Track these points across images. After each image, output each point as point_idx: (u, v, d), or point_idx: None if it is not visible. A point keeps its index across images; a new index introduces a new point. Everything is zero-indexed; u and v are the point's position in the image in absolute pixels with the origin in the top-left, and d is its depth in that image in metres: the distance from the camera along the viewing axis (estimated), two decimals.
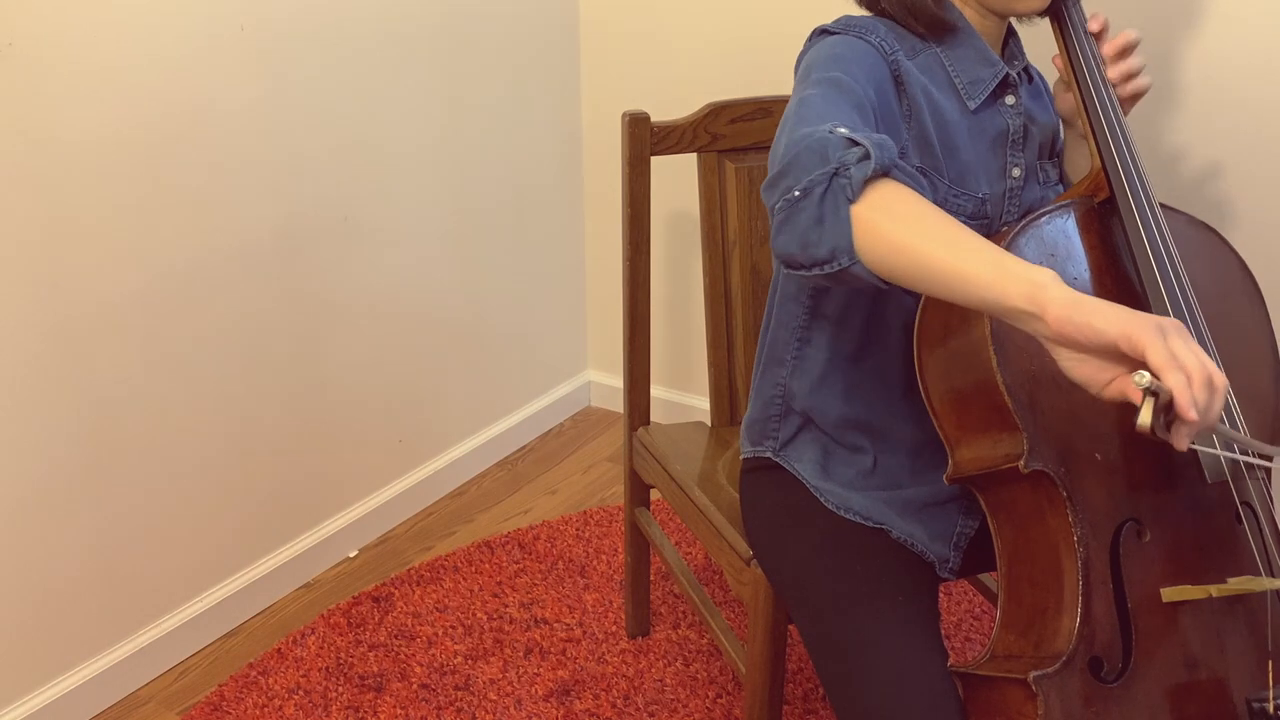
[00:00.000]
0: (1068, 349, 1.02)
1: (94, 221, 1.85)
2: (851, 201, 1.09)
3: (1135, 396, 0.98)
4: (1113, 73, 1.43)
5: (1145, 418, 0.97)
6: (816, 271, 1.13)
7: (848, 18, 1.42)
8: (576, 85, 2.79)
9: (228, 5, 1.97)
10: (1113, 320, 0.97)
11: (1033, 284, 1.00)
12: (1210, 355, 1.22)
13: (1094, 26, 1.42)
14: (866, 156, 1.09)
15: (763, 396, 1.59)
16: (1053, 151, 1.52)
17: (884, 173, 1.11)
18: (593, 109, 2.80)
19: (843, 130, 1.13)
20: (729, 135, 1.86)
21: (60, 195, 1.80)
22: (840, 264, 1.11)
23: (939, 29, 1.39)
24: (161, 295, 1.97)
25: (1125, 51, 1.43)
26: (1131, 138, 1.38)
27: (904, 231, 1.07)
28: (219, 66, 1.98)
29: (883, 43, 1.36)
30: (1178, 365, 0.96)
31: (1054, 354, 1.03)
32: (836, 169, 1.09)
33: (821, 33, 1.41)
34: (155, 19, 1.87)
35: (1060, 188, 1.51)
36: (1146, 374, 0.96)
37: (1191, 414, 0.96)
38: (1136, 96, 1.47)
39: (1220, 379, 0.98)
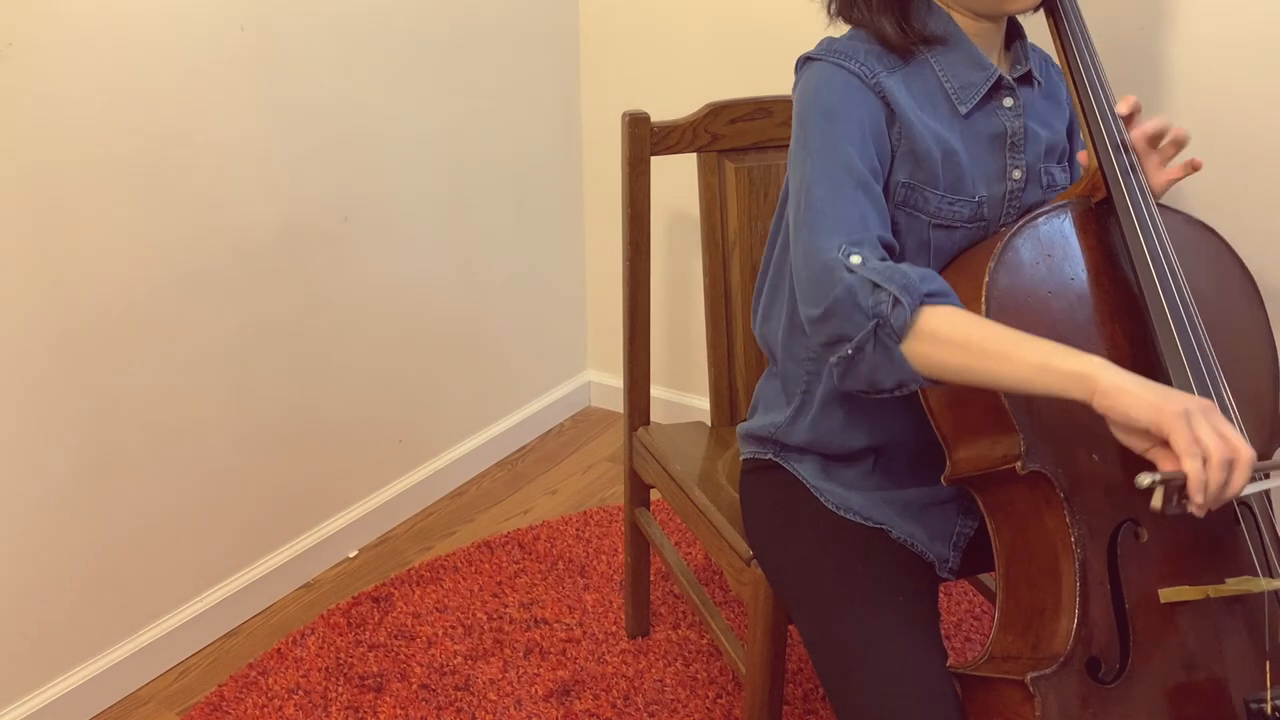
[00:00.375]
0: (1117, 427, 1.15)
1: (94, 222, 1.85)
2: (900, 344, 1.22)
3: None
4: (1149, 164, 1.40)
5: (1156, 502, 1.11)
6: (889, 395, 1.28)
7: (829, 41, 1.42)
8: (576, 85, 2.79)
9: (228, 6, 1.97)
10: (1145, 408, 1.10)
11: (1081, 378, 1.13)
12: (1211, 379, 1.26)
13: (1123, 109, 1.38)
14: (897, 302, 1.21)
15: (764, 421, 1.60)
16: (1062, 156, 1.51)
17: (918, 308, 1.21)
18: (593, 109, 2.80)
19: (863, 268, 1.24)
20: (729, 135, 1.86)
21: (60, 196, 1.80)
22: (908, 389, 1.25)
23: (909, 49, 1.40)
24: (161, 295, 1.97)
25: (1156, 139, 1.39)
26: (1129, 138, 1.38)
27: (957, 357, 1.20)
28: (219, 67, 1.98)
29: (863, 68, 1.37)
30: (1197, 451, 1.08)
31: (1112, 429, 1.16)
32: (877, 323, 1.22)
33: (806, 60, 1.42)
34: (155, 19, 1.87)
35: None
36: (1147, 476, 1.09)
37: (1198, 498, 1.09)
38: (1171, 182, 1.43)
39: (1245, 453, 1.10)
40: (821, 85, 1.38)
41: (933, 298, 1.23)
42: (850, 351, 1.24)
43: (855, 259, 1.25)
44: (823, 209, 1.30)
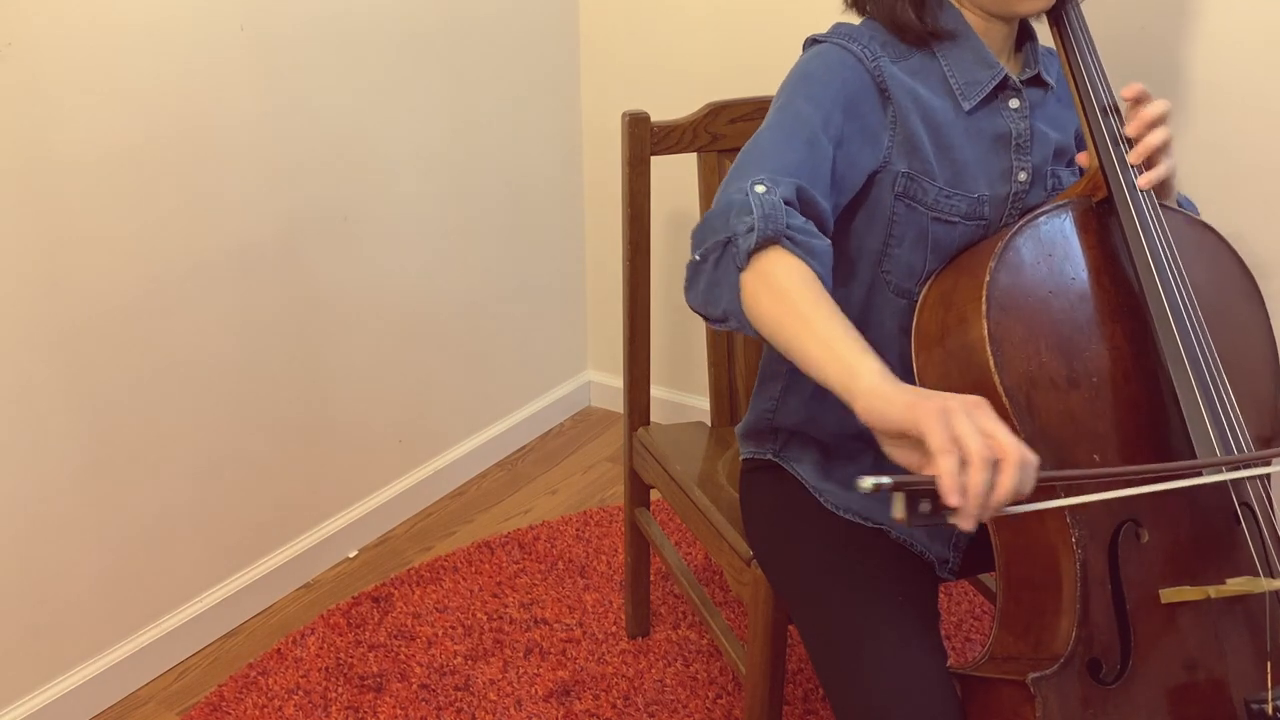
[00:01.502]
0: (880, 434, 1.07)
1: (94, 222, 1.85)
2: (740, 270, 1.20)
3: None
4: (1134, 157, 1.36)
5: (897, 511, 1.00)
6: (719, 327, 1.26)
7: (839, 26, 1.43)
8: (576, 85, 2.79)
9: (228, 6, 1.97)
10: (899, 407, 1.02)
11: (850, 373, 1.08)
12: (1212, 380, 1.23)
13: (1128, 94, 1.36)
14: (753, 229, 1.18)
15: (758, 409, 1.60)
16: (1071, 160, 1.50)
17: (771, 243, 1.19)
18: (593, 109, 2.80)
19: (754, 194, 1.21)
20: (729, 135, 1.86)
21: (60, 195, 1.80)
22: (732, 325, 1.22)
23: (925, 40, 1.40)
24: (161, 296, 1.97)
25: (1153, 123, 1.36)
26: (1129, 137, 1.37)
27: (773, 304, 1.17)
28: (218, 67, 1.98)
29: (865, 50, 1.37)
30: (952, 449, 0.98)
31: (879, 439, 1.08)
32: (729, 238, 1.20)
33: (812, 41, 1.44)
34: (155, 19, 1.87)
35: None
36: (869, 479, 0.98)
37: (952, 499, 0.98)
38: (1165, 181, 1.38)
39: (1015, 454, 0.99)
40: (813, 57, 1.40)
41: (793, 243, 1.19)
42: (698, 257, 1.24)
43: (760, 188, 1.23)
44: (762, 149, 1.30)
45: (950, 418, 1.00)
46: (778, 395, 1.56)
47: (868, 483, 0.98)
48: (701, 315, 1.28)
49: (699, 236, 1.26)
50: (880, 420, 1.05)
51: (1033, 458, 1.01)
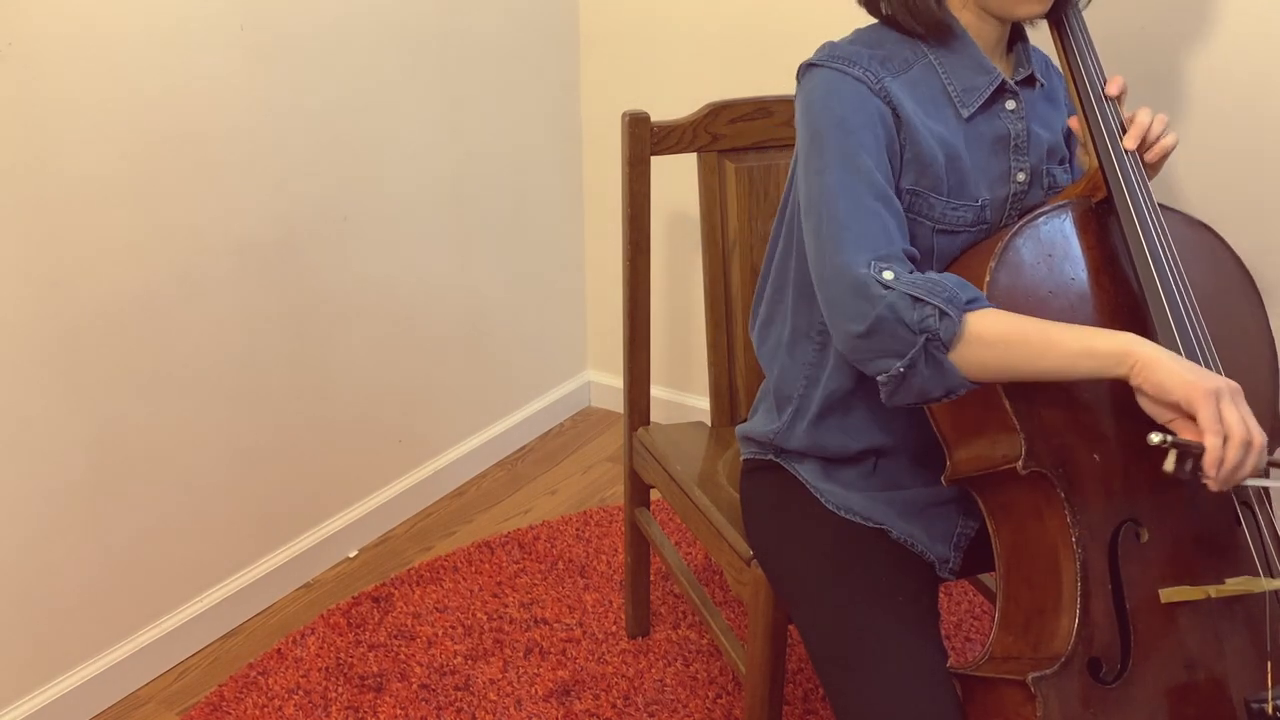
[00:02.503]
0: (1146, 399, 1.19)
1: (93, 223, 1.85)
2: (949, 353, 1.24)
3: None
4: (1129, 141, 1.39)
5: (1169, 465, 1.15)
6: (941, 401, 1.28)
7: (830, 46, 1.41)
8: (576, 85, 2.79)
9: (228, 6, 1.97)
10: (1179, 383, 1.15)
11: (1121, 356, 1.18)
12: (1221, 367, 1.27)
13: (1112, 90, 1.39)
14: (944, 314, 1.22)
15: (762, 428, 1.60)
16: (1064, 158, 1.51)
17: (963, 316, 1.23)
18: (593, 109, 2.80)
19: (899, 283, 1.25)
20: (729, 135, 1.86)
21: (60, 196, 1.80)
22: (958, 394, 1.27)
23: (938, 30, 1.39)
24: (161, 296, 1.97)
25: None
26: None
27: (1001, 356, 1.23)
28: (218, 66, 1.98)
29: (868, 73, 1.35)
30: (1220, 429, 1.13)
31: (1139, 399, 1.20)
32: (927, 338, 1.23)
33: (809, 67, 1.40)
34: (155, 19, 1.87)
35: None
36: (1157, 434, 1.15)
37: (1212, 471, 1.14)
38: (1163, 156, 1.43)
39: (1260, 440, 1.15)
40: (830, 95, 1.36)
41: (972, 303, 1.24)
42: (901, 369, 1.25)
43: (888, 274, 1.25)
44: (846, 223, 1.30)
45: (1220, 399, 1.14)
46: (787, 420, 1.55)
47: (1156, 437, 1.14)
48: (913, 405, 1.31)
49: (875, 348, 1.26)
50: (1157, 389, 1.16)
51: (1266, 441, 1.17)
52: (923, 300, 1.22)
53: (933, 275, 1.25)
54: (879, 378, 1.28)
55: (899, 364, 1.24)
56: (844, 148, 1.33)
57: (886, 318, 1.24)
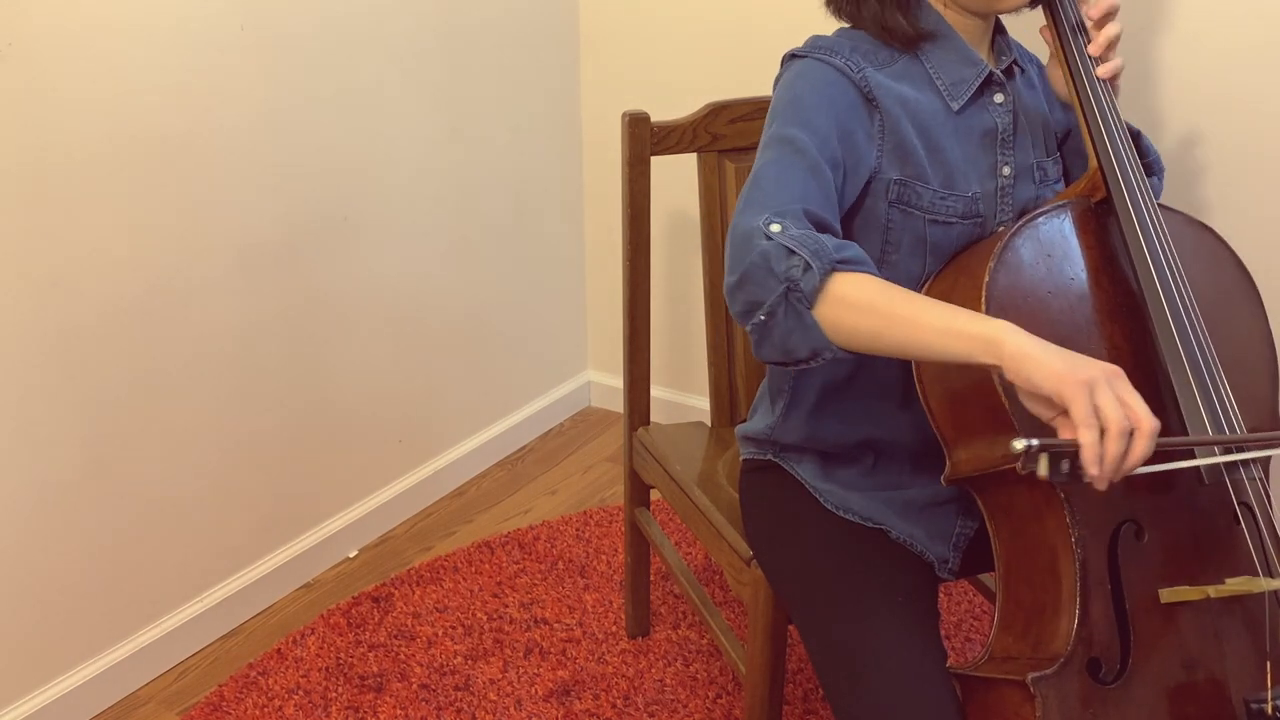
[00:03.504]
0: (1023, 394, 1.14)
1: (93, 223, 1.85)
2: (811, 309, 1.21)
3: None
4: (1093, 47, 1.42)
5: (1042, 470, 1.08)
6: (805, 366, 1.26)
7: (815, 39, 1.42)
8: (576, 85, 2.79)
9: (228, 6, 1.97)
10: (1049, 376, 1.08)
11: (988, 342, 1.12)
12: (1210, 379, 1.24)
13: (1095, 13, 1.41)
14: (808, 266, 1.19)
15: (759, 424, 1.60)
16: (1050, 148, 1.51)
17: (829, 273, 1.20)
18: (593, 109, 2.80)
19: (781, 235, 1.22)
20: (729, 135, 1.86)
21: (59, 195, 1.80)
22: (823, 358, 1.24)
23: (911, 43, 1.40)
24: (161, 296, 1.97)
25: (1108, 17, 1.43)
26: (1129, 137, 1.38)
27: (865, 321, 1.19)
28: (218, 66, 1.98)
29: (848, 63, 1.36)
30: (1094, 422, 1.06)
31: (1018, 395, 1.15)
32: (788, 287, 1.20)
33: (791, 57, 1.42)
34: (155, 19, 1.87)
35: (1059, 185, 1.51)
36: (1020, 441, 1.07)
37: (1092, 469, 1.07)
38: (1115, 75, 1.44)
39: (1148, 424, 1.07)
40: (798, 77, 1.39)
41: (845, 264, 1.21)
42: (763, 317, 1.23)
43: (775, 227, 1.23)
44: (765, 187, 1.30)
45: (1095, 391, 1.07)
46: (781, 413, 1.56)
47: (1019, 445, 1.07)
48: (782, 364, 1.28)
49: (744, 296, 1.25)
50: (1027, 383, 1.10)
51: (1159, 425, 1.09)
52: (794, 252, 1.20)
53: (820, 235, 1.23)
54: (746, 328, 1.26)
55: (761, 313, 1.23)
56: (788, 122, 1.34)
57: (758, 264, 1.22)
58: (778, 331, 1.23)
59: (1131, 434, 1.07)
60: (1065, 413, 1.09)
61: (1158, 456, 1.19)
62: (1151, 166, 1.59)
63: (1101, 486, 1.09)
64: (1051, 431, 1.12)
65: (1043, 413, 1.12)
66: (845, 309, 1.20)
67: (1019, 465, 1.08)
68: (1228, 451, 1.24)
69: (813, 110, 1.34)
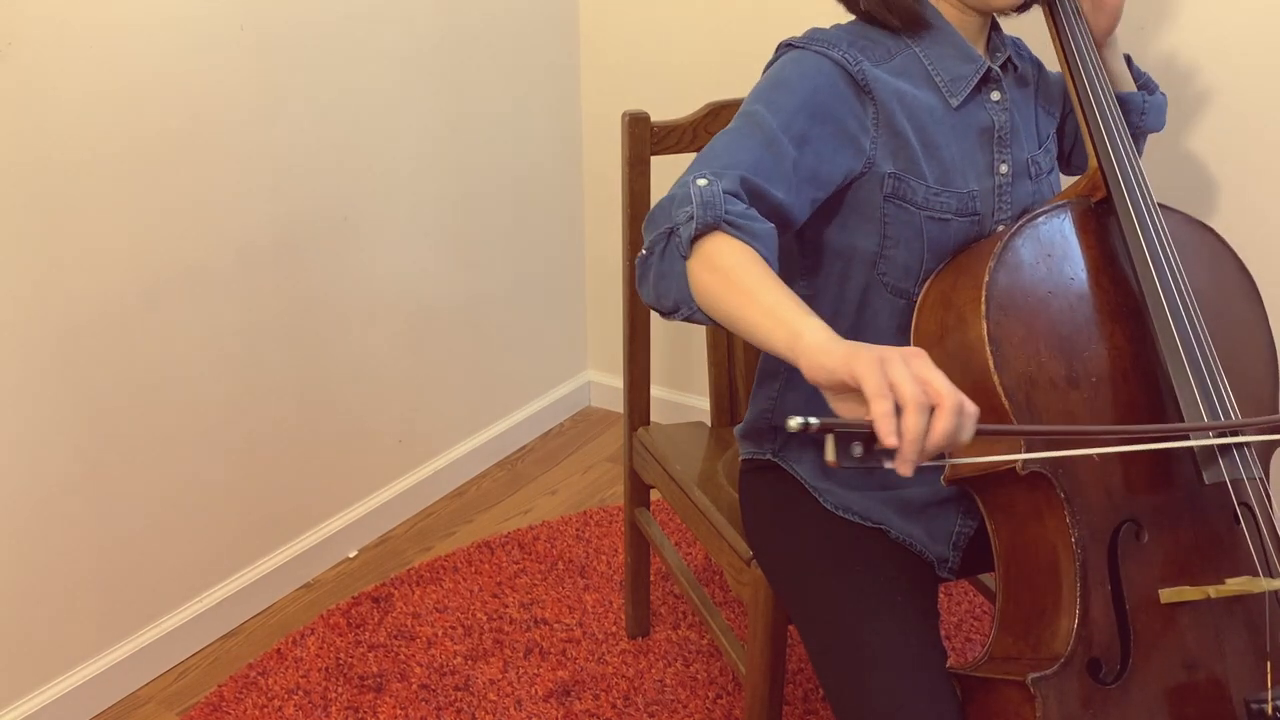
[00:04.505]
0: (825, 390, 1.07)
1: (93, 222, 1.85)
2: (685, 258, 1.20)
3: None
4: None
5: (829, 454, 0.99)
6: (675, 318, 1.25)
7: (814, 31, 1.41)
8: (576, 85, 2.79)
9: (228, 6, 1.97)
10: (839, 358, 1.03)
11: (792, 334, 1.09)
12: (1210, 378, 1.24)
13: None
14: (691, 217, 1.19)
15: (757, 409, 1.60)
16: (1042, 138, 1.51)
17: (711, 229, 1.19)
18: (593, 109, 2.80)
19: (695, 186, 1.21)
20: None
21: (59, 195, 1.80)
22: (685, 313, 1.22)
23: (914, 24, 1.40)
24: (161, 295, 1.97)
25: None
26: (1129, 137, 1.38)
27: (717, 284, 1.18)
28: (218, 66, 1.98)
29: (845, 55, 1.36)
30: (886, 393, 0.99)
31: (825, 397, 1.08)
32: (671, 229, 1.21)
33: (787, 46, 1.42)
34: (155, 19, 1.87)
35: (1054, 177, 1.51)
36: (795, 419, 0.97)
37: (889, 440, 0.98)
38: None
39: (951, 400, 1.00)
40: (787, 62, 1.38)
41: (733, 227, 1.20)
42: (644, 252, 1.25)
43: (702, 181, 1.22)
44: (715, 150, 1.30)
45: (887, 365, 1.01)
46: (776, 394, 1.56)
47: (795, 422, 0.97)
48: (655, 309, 1.27)
49: (645, 231, 1.26)
50: (821, 373, 1.05)
51: (972, 407, 1.02)
52: (690, 203, 1.20)
53: (727, 196, 1.22)
54: (635, 263, 1.28)
55: (645, 247, 1.25)
56: (756, 99, 1.35)
57: (663, 205, 1.24)
58: (653, 272, 1.24)
59: (933, 409, 1.00)
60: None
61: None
62: (1148, 85, 1.62)
63: (904, 470, 1.00)
64: None
65: (855, 410, 1.04)
66: (707, 268, 1.19)
67: (826, 453, 1.00)
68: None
69: (790, 93, 1.34)
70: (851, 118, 1.35)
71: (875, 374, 1.00)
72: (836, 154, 1.35)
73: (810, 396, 1.51)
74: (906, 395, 0.99)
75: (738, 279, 1.17)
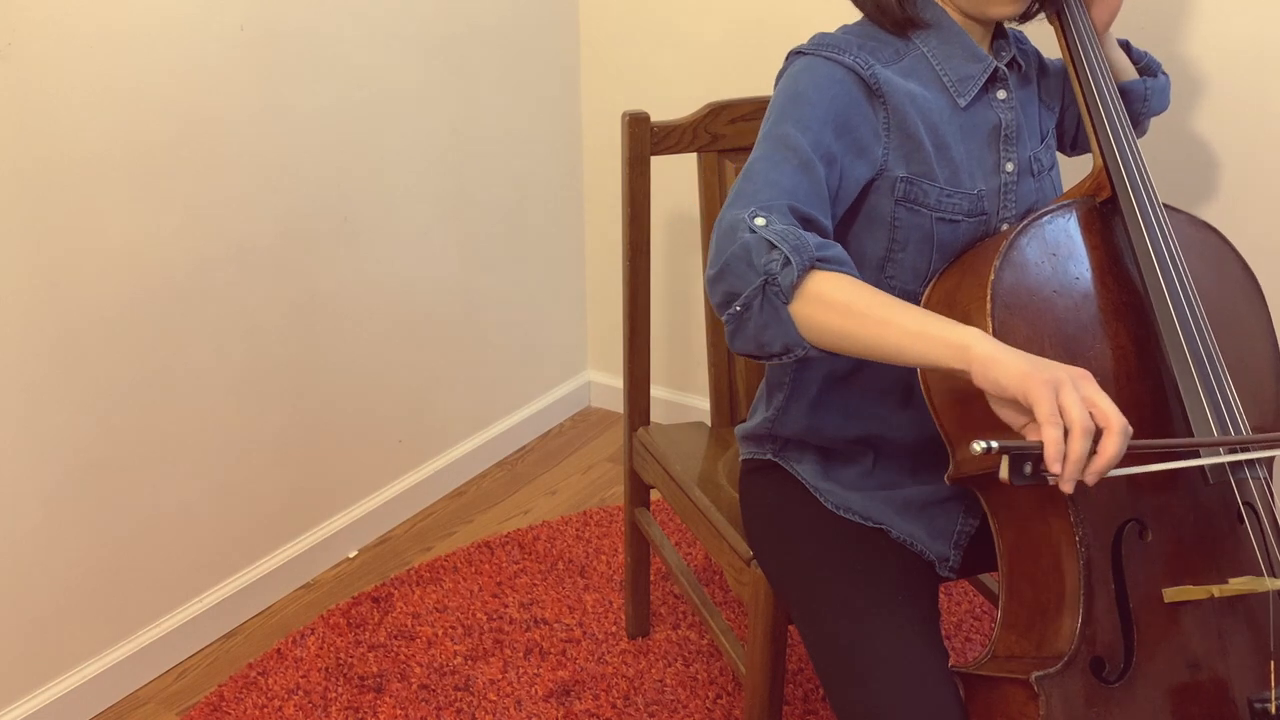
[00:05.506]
0: (990, 397, 1.13)
1: (93, 222, 1.85)
2: (787, 304, 1.20)
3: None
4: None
5: (1003, 473, 1.08)
6: (778, 362, 1.26)
7: (821, 36, 1.41)
8: (576, 85, 2.79)
9: (227, 6, 1.96)
10: (1014, 376, 1.08)
11: (958, 347, 1.12)
12: (1215, 379, 1.24)
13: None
14: (788, 261, 1.19)
15: (759, 417, 1.60)
16: (1044, 133, 1.51)
17: (808, 270, 1.20)
18: (593, 109, 2.79)
19: (764, 230, 1.22)
20: (729, 135, 1.86)
21: (59, 195, 1.79)
22: (795, 355, 1.23)
23: (905, 27, 1.40)
24: (162, 296, 1.97)
25: None
26: (1134, 137, 1.38)
27: (839, 320, 1.19)
28: (218, 67, 1.98)
29: (856, 60, 1.36)
30: (1058, 420, 1.05)
31: (988, 399, 1.14)
32: (765, 280, 1.20)
33: (796, 54, 1.41)
34: (155, 19, 1.87)
35: (1055, 174, 1.51)
36: (979, 444, 1.06)
37: (1054, 467, 1.05)
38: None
39: (1117, 423, 1.06)
40: (801, 73, 1.38)
41: (825, 263, 1.21)
42: (739, 308, 1.22)
43: (759, 220, 1.23)
44: (754, 180, 1.29)
45: (1059, 389, 1.06)
46: (780, 405, 1.55)
47: (978, 446, 1.06)
48: (755, 357, 1.27)
49: (724, 287, 1.24)
50: (994, 388, 1.10)
51: (1129, 427, 1.07)
52: (775, 246, 1.20)
53: (803, 232, 1.23)
54: (722, 318, 1.25)
55: (738, 304, 1.22)
56: (783, 119, 1.34)
57: (738, 256, 1.22)
58: (753, 324, 1.23)
59: (1100, 433, 1.06)
60: (1032, 418, 1.08)
61: (1158, 457, 1.19)
62: (1150, 68, 1.62)
63: (1066, 488, 1.07)
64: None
65: (1014, 419, 1.11)
66: (820, 307, 1.19)
67: (1000, 472, 1.08)
68: (1231, 452, 1.24)
69: (811, 107, 1.33)
70: (866, 127, 1.35)
71: (1048, 399, 1.05)
72: (854, 168, 1.36)
73: (810, 408, 1.51)
74: (1075, 420, 1.05)
75: (864, 309, 1.18)
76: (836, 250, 1.24)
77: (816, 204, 1.29)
